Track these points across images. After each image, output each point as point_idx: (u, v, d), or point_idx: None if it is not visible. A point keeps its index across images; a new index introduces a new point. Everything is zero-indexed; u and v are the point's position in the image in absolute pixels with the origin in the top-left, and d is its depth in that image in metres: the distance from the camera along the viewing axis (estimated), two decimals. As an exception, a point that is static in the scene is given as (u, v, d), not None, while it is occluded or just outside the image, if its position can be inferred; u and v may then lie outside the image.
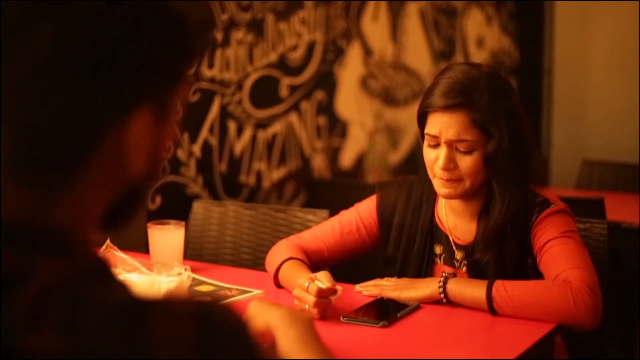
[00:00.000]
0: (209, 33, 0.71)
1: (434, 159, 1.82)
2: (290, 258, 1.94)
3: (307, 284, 1.69)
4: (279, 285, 1.95)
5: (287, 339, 1.23)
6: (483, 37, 5.05)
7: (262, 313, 1.29)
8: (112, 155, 0.72)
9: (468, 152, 1.79)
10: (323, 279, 1.69)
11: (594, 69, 5.39)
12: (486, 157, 1.79)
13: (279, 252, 2.00)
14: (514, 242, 1.82)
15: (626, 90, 5.18)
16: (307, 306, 1.68)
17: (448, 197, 1.86)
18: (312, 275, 1.72)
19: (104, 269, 0.72)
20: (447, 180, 1.81)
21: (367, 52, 4.02)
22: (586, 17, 5.40)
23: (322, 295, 1.68)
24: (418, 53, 4.41)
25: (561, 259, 1.76)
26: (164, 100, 0.75)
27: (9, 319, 0.64)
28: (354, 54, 3.93)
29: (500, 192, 1.81)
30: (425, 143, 1.85)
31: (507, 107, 1.80)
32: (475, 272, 1.85)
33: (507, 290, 1.71)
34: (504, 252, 1.82)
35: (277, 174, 3.49)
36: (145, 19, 0.70)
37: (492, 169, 1.80)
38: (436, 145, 1.82)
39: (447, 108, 1.78)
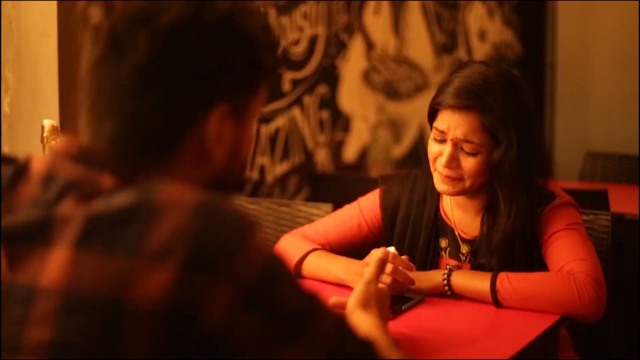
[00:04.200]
0: (275, 51, 1.02)
1: (438, 153, 1.82)
2: (315, 249, 1.95)
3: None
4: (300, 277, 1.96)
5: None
6: (485, 30, 5.04)
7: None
8: (197, 145, 0.89)
9: (473, 154, 1.78)
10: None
11: (597, 61, 5.38)
12: (491, 163, 1.78)
13: (294, 244, 1.99)
14: (522, 249, 1.81)
15: (629, 82, 5.17)
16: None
17: (445, 193, 1.86)
18: (364, 261, 1.78)
19: None
20: (447, 177, 1.80)
21: (370, 45, 4.01)
22: (589, 10, 5.39)
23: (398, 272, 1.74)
24: (420, 46, 4.40)
25: (565, 251, 1.76)
26: (240, 103, 0.92)
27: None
28: (356, 47, 3.93)
29: (506, 203, 1.79)
30: (432, 136, 1.84)
31: (520, 110, 1.78)
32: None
33: (511, 282, 1.71)
34: (511, 262, 1.81)
35: (281, 168, 3.49)
36: (220, 36, 0.89)
37: (497, 177, 1.79)
38: (442, 141, 1.81)
39: (460, 108, 1.77)
